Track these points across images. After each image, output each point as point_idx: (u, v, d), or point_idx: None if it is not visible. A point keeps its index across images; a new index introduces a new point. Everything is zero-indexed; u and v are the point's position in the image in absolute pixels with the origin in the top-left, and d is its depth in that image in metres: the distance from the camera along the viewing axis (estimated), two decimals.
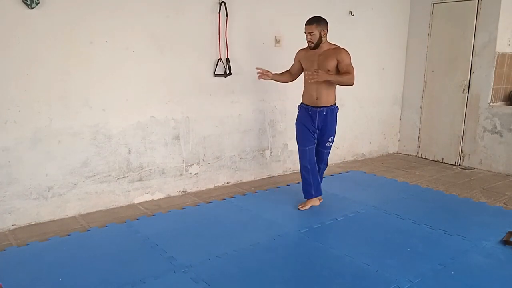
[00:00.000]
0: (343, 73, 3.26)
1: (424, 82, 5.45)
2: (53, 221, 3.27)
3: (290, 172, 4.72)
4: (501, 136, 4.78)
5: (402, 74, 5.69)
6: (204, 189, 4.10)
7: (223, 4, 3.83)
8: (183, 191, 3.97)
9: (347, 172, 4.80)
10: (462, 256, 2.74)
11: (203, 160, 4.05)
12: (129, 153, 3.59)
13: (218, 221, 3.28)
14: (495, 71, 4.78)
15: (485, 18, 4.75)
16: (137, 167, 3.66)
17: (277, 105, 4.47)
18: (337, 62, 3.26)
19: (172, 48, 3.66)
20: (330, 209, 3.55)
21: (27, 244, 2.85)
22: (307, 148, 3.47)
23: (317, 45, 3.28)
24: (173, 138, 3.82)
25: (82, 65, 3.24)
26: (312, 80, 3.22)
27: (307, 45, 3.34)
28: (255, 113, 4.34)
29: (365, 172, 4.80)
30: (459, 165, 5.17)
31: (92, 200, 3.46)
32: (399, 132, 5.86)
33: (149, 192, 3.76)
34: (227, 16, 3.88)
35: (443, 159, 5.34)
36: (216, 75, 3.94)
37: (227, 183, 4.27)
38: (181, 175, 3.93)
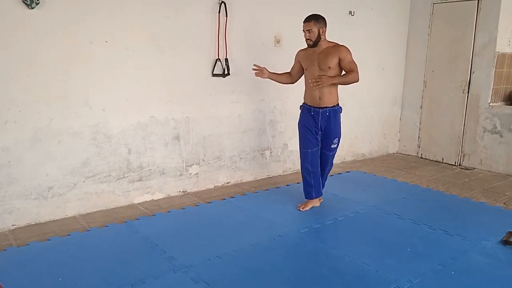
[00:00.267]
0: (346, 72, 3.25)
1: (424, 82, 5.45)
2: (53, 221, 3.27)
3: (290, 172, 4.72)
4: (501, 136, 4.78)
5: (402, 74, 5.69)
6: (204, 189, 4.10)
7: (223, 4, 3.83)
8: (183, 191, 3.97)
9: (347, 172, 4.80)
10: (462, 256, 2.74)
11: (203, 160, 4.05)
12: (129, 153, 3.59)
13: (218, 221, 3.28)
14: (495, 71, 4.79)
15: (485, 18, 4.75)
16: (137, 167, 3.66)
17: (277, 105, 4.47)
18: (339, 60, 3.23)
19: (172, 48, 3.66)
20: (330, 209, 3.55)
21: (27, 244, 2.85)
22: (309, 151, 3.43)
23: (315, 43, 3.24)
24: (173, 138, 3.82)
25: (82, 65, 3.24)
26: (317, 87, 3.18)
27: (306, 45, 3.32)
28: (255, 113, 4.34)
29: (365, 172, 4.80)
30: (459, 165, 5.17)
31: (92, 200, 3.46)
32: (399, 132, 5.86)
33: (149, 192, 3.76)
34: (227, 16, 3.88)
35: (443, 159, 5.34)
36: (214, 75, 3.94)
37: (227, 183, 4.27)
38: (181, 175, 3.93)
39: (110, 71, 3.38)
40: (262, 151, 4.48)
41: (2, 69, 2.93)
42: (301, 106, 3.51)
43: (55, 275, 2.43)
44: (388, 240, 2.98)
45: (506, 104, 4.93)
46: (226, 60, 3.96)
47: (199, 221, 3.28)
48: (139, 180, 3.69)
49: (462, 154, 5.15)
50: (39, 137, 3.14)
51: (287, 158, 4.70)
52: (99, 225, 3.20)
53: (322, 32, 3.23)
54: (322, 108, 3.33)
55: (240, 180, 4.36)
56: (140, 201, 3.71)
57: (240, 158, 4.32)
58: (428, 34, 5.32)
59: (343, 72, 3.31)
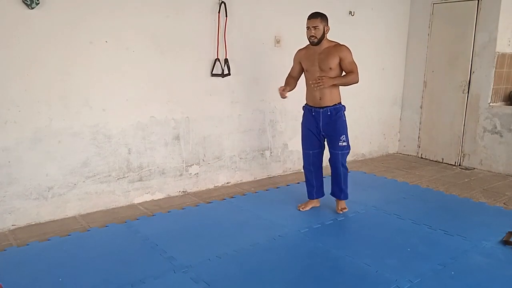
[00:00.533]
0: (347, 72, 3.24)
1: (424, 82, 5.45)
2: (53, 221, 3.27)
3: (290, 172, 4.72)
4: (501, 136, 4.78)
5: (402, 74, 5.69)
6: (204, 189, 4.10)
7: (223, 4, 3.83)
8: (183, 191, 3.97)
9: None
10: (462, 256, 2.74)
11: (203, 160, 4.05)
12: (129, 153, 3.59)
13: (218, 221, 3.28)
14: (495, 71, 4.78)
15: (485, 18, 4.75)
16: (137, 167, 3.66)
17: (277, 105, 4.47)
18: (340, 60, 3.21)
19: (172, 48, 3.66)
20: (330, 209, 3.55)
21: (27, 244, 2.85)
22: (311, 152, 3.43)
23: (319, 41, 3.19)
24: (173, 138, 3.82)
25: (82, 65, 3.24)
26: (318, 88, 3.16)
27: (307, 43, 3.27)
28: (255, 113, 4.34)
29: (365, 172, 4.79)
30: (459, 165, 5.17)
31: (92, 200, 3.46)
32: (399, 132, 5.86)
33: (149, 192, 3.76)
34: (226, 16, 3.88)
35: (443, 159, 5.33)
36: (213, 75, 3.94)
37: (227, 183, 4.27)
38: (181, 175, 3.93)
39: (110, 71, 3.38)
40: (262, 151, 4.48)
41: (2, 69, 2.93)
42: (303, 107, 3.49)
43: (55, 275, 2.43)
44: (388, 240, 2.98)
45: (506, 104, 4.93)
46: (226, 60, 3.96)
47: (199, 221, 3.28)
48: (139, 180, 3.69)
49: (462, 154, 5.15)
50: (39, 137, 3.14)
51: (287, 158, 4.70)
52: (99, 225, 3.20)
53: (327, 30, 3.20)
54: (323, 108, 3.30)
55: (240, 180, 4.36)
56: (140, 201, 3.71)
57: (240, 158, 4.32)
58: (428, 34, 5.32)
59: (343, 73, 3.30)
